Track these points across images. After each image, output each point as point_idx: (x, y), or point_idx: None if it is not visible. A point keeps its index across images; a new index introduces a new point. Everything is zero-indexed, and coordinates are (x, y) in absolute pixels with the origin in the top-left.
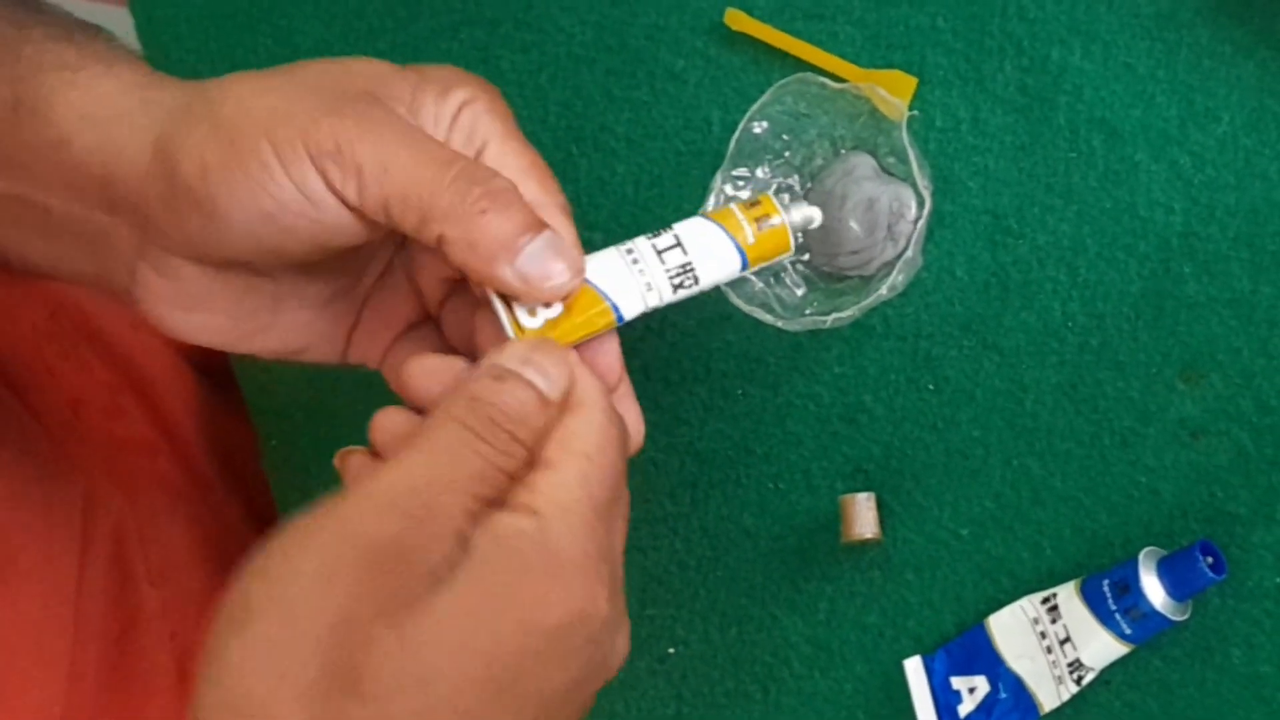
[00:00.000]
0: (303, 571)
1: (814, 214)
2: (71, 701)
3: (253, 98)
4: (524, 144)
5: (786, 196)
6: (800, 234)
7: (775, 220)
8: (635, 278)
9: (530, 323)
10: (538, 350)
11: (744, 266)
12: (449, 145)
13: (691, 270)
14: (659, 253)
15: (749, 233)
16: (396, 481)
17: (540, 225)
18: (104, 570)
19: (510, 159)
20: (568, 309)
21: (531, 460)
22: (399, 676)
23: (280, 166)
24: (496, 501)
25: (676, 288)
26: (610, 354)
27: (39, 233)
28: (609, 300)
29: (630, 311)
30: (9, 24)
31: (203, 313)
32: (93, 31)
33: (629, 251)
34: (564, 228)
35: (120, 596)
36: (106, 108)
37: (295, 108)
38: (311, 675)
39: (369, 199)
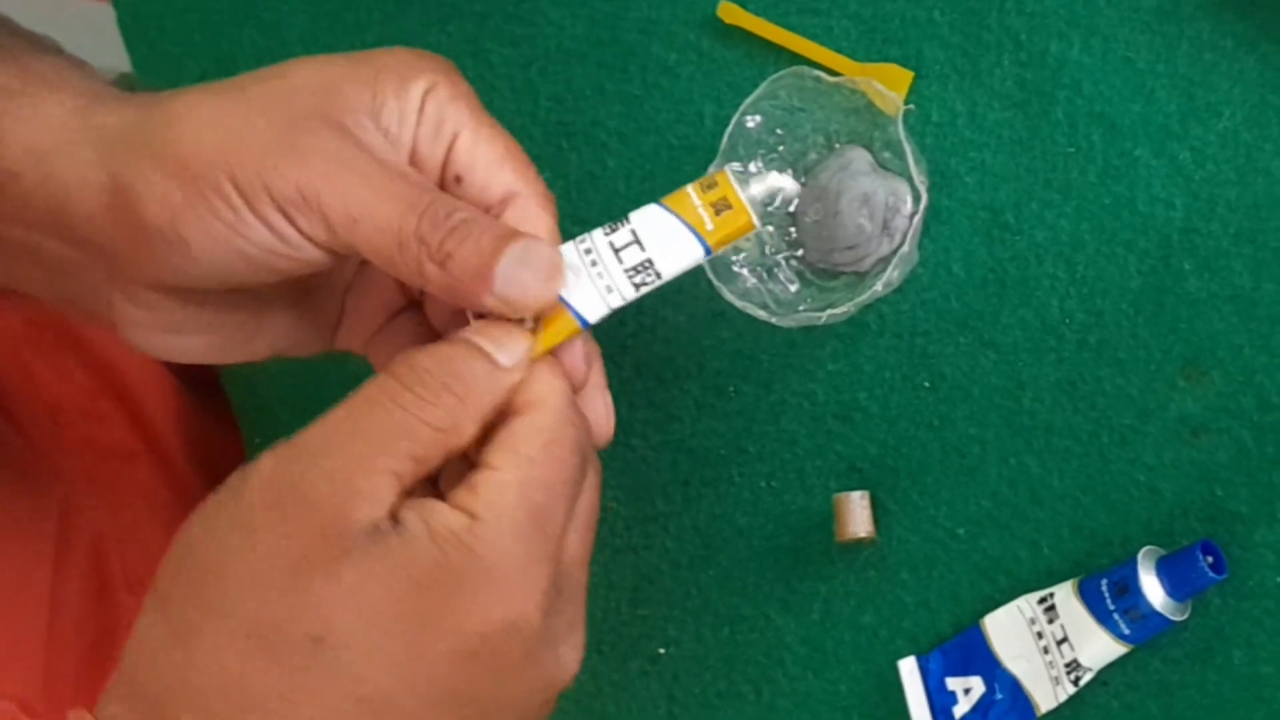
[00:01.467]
0: (230, 524)
1: (781, 183)
2: (48, 707)
3: (205, 131)
4: (494, 129)
5: (754, 166)
6: (787, 219)
7: (734, 204)
8: (594, 281)
9: None
10: (496, 327)
11: (707, 254)
12: (416, 157)
13: (651, 267)
14: (616, 251)
15: (706, 219)
16: (318, 429)
17: (506, 240)
18: (81, 577)
19: (483, 148)
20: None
21: (483, 430)
22: (299, 635)
23: (248, 210)
24: (432, 480)
25: (638, 286)
26: (574, 353)
27: (5, 260)
28: (570, 307)
29: (593, 316)
30: None
31: (183, 335)
32: (38, 47)
33: (587, 251)
34: (541, 220)
35: (98, 603)
36: (50, 138)
37: (251, 143)
38: (231, 631)
39: (339, 243)
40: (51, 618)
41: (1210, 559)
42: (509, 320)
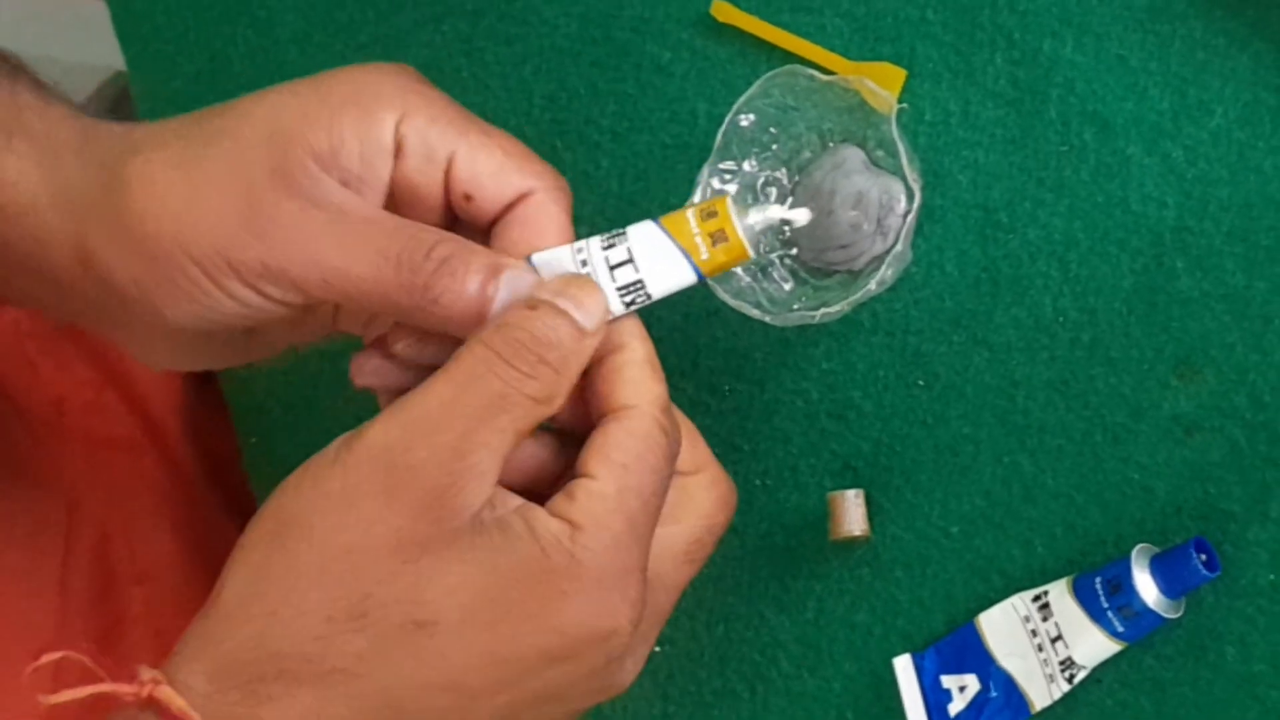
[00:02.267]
0: (328, 493)
1: (774, 213)
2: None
3: (163, 209)
4: (485, 134)
5: (763, 179)
6: (764, 237)
7: (730, 236)
8: None
9: None
10: (572, 284)
11: (700, 281)
12: (410, 189)
13: (642, 288)
14: (611, 268)
15: (702, 248)
16: (421, 403)
17: (495, 273)
18: (88, 570)
19: (481, 159)
20: None
21: (568, 394)
22: (403, 617)
23: (213, 285)
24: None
25: (628, 305)
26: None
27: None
28: None
29: None
30: None
31: (180, 357)
32: None
33: (583, 264)
34: (554, 215)
35: (105, 596)
36: (14, 196)
37: (210, 222)
38: (321, 597)
39: (314, 301)
40: (61, 610)
41: (1203, 557)
42: (580, 275)
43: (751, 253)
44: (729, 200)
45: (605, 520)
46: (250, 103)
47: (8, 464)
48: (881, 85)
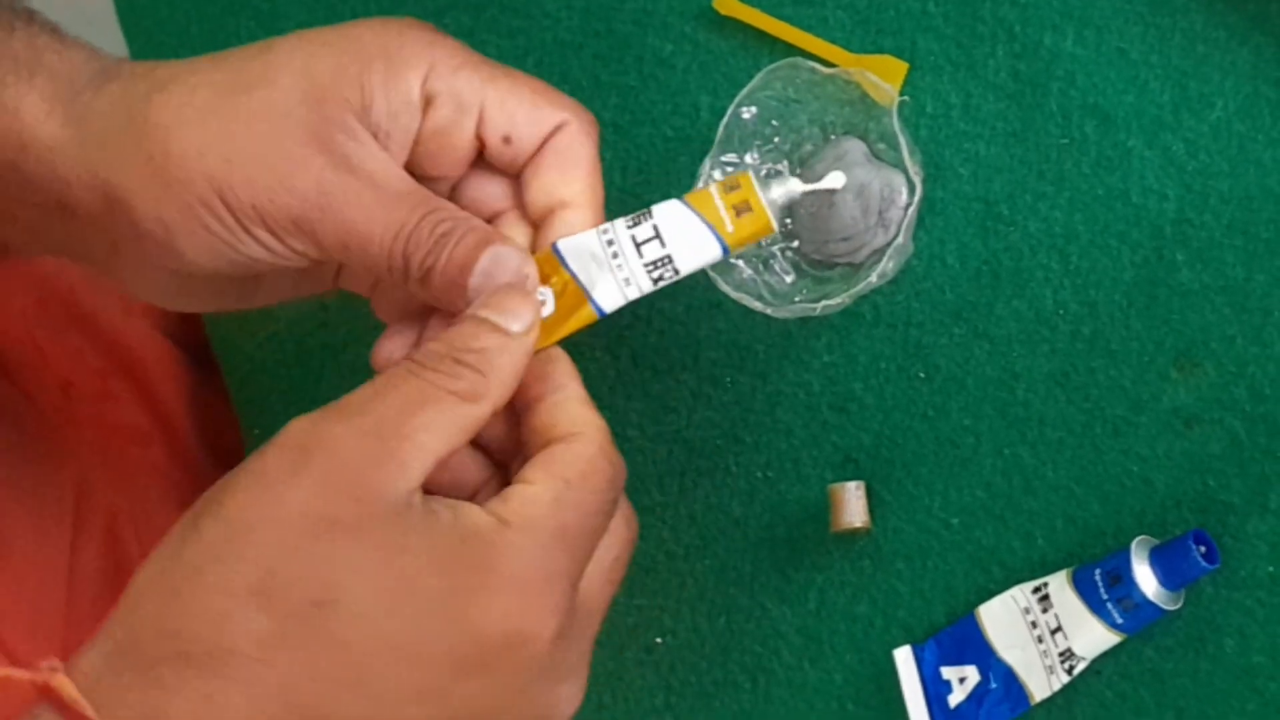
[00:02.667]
0: (245, 471)
1: (795, 186)
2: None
3: (195, 147)
4: (509, 76)
5: (766, 170)
6: (786, 212)
7: (754, 206)
8: (614, 273)
9: None
10: (496, 294)
11: (725, 254)
12: (443, 140)
13: (670, 263)
14: (638, 245)
15: (727, 221)
16: (348, 399)
17: (478, 251)
18: (97, 555)
19: (511, 101)
20: (556, 307)
21: (501, 394)
22: (300, 595)
23: (241, 229)
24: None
25: (656, 281)
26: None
27: (17, 228)
28: (590, 297)
29: (609, 306)
30: None
31: (185, 298)
32: (7, 23)
33: (610, 243)
34: (584, 149)
35: (115, 582)
36: (38, 133)
37: (243, 168)
38: (227, 578)
39: (328, 260)
40: (69, 596)
41: (1203, 549)
42: (515, 289)
43: (775, 225)
44: (751, 173)
45: (536, 523)
46: (283, 51)
47: (17, 449)
48: (883, 78)
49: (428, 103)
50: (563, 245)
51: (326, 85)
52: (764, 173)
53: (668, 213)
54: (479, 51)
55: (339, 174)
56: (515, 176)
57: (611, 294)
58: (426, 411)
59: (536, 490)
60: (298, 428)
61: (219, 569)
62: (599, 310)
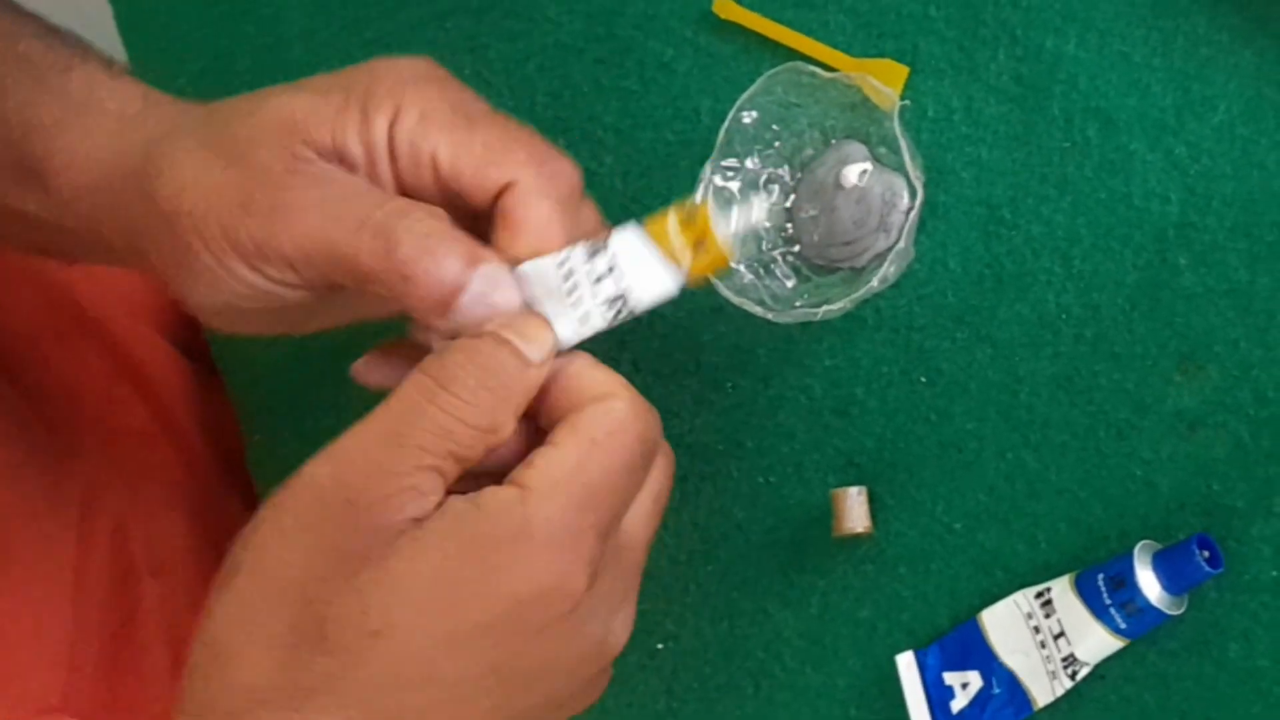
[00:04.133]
0: (279, 528)
1: (756, 213)
2: (70, 691)
3: (181, 186)
4: (470, 128)
5: (766, 176)
6: (785, 217)
7: (708, 242)
8: (570, 311)
9: None
10: (518, 318)
11: (681, 288)
12: (405, 192)
13: (624, 300)
14: (594, 281)
15: (685, 257)
16: (357, 434)
17: (472, 263)
18: (104, 561)
19: (462, 156)
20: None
21: (519, 424)
22: (357, 630)
23: (219, 265)
24: (478, 465)
25: (614, 316)
26: None
27: (77, 244)
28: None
29: (567, 342)
30: None
31: (243, 321)
32: (59, 58)
33: (567, 275)
34: (539, 208)
35: (121, 587)
36: (88, 173)
37: (214, 200)
38: (278, 628)
39: (313, 281)
40: (75, 601)
41: (1206, 553)
42: (528, 312)
43: (733, 258)
44: (709, 206)
45: (560, 485)
46: (269, 93)
47: (23, 454)
48: (884, 82)
49: (391, 152)
50: (525, 269)
51: (298, 123)
52: (764, 178)
53: (624, 245)
54: (481, 55)
55: (300, 188)
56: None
57: (567, 329)
58: (441, 445)
59: (560, 453)
60: (314, 477)
61: (277, 626)
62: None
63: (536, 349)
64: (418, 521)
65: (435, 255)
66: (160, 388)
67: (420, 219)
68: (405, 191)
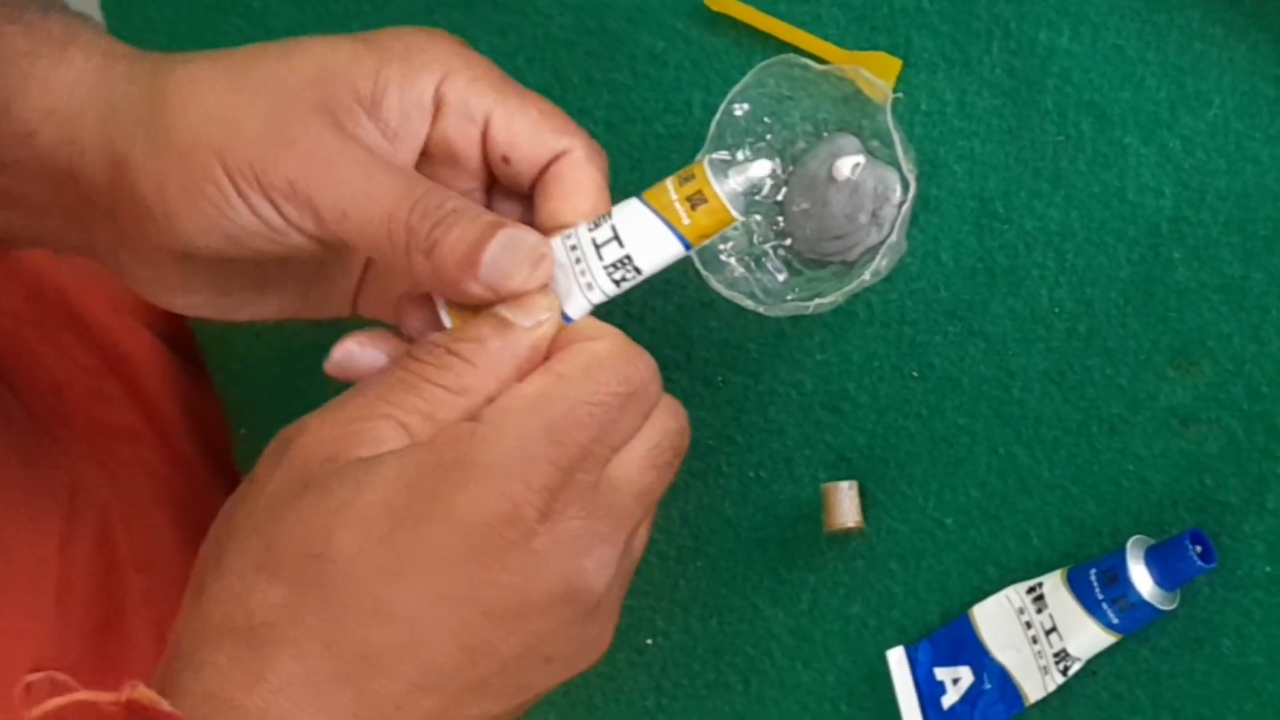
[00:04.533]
0: (253, 475)
1: (758, 170)
2: (54, 688)
3: (202, 113)
4: (523, 97)
5: (743, 154)
6: (776, 209)
7: (709, 198)
8: (577, 279)
9: None
10: (524, 296)
11: (687, 249)
12: (448, 148)
13: (630, 263)
14: (597, 248)
15: (683, 215)
16: (337, 399)
17: (494, 228)
18: (89, 556)
19: (518, 120)
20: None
21: (493, 387)
22: (300, 552)
23: (237, 196)
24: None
25: (618, 282)
26: None
27: (21, 212)
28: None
29: (575, 313)
30: None
31: (188, 294)
32: (45, 5)
33: (572, 248)
34: (589, 175)
35: (106, 583)
36: (64, 100)
37: (245, 131)
38: (239, 564)
39: (327, 234)
40: (59, 596)
41: (1199, 548)
42: (544, 292)
43: (735, 214)
44: (706, 162)
45: (512, 414)
46: (305, 42)
47: (8, 449)
48: (877, 75)
49: (437, 108)
50: None
51: (339, 71)
52: (740, 157)
53: (625, 212)
54: (470, 46)
55: (342, 143)
56: (528, 198)
57: (575, 299)
58: (405, 398)
59: (523, 386)
60: (285, 430)
61: (230, 560)
62: (565, 315)
63: (525, 315)
64: (369, 458)
65: (460, 224)
66: (147, 382)
67: (450, 198)
68: (441, 149)
